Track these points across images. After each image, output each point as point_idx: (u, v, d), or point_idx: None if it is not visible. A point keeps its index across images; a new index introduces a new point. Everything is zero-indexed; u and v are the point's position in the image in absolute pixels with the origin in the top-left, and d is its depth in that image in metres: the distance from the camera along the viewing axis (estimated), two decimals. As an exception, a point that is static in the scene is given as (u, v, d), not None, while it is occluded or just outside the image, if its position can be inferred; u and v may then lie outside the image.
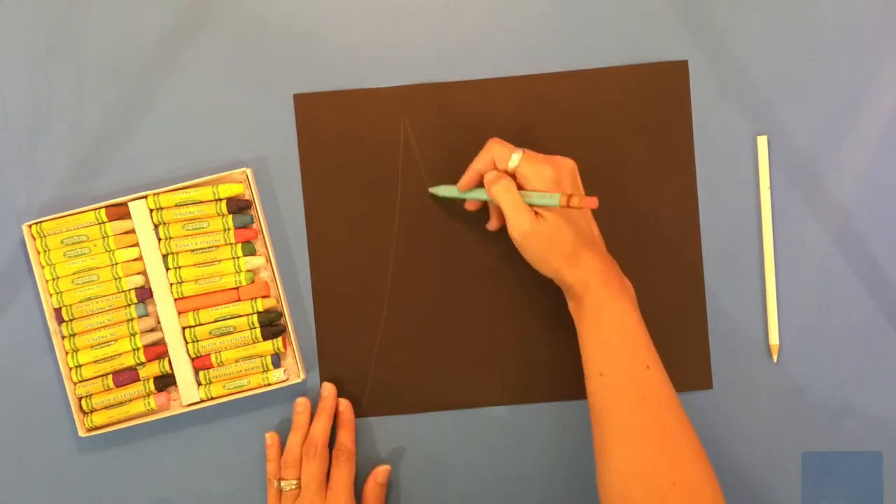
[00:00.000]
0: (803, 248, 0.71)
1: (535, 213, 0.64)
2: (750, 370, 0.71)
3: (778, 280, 0.71)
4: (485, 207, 0.70)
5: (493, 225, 0.70)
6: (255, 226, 0.71)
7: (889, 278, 0.71)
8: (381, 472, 0.70)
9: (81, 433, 0.69)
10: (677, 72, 0.71)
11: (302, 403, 0.71)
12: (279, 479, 0.69)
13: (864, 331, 0.71)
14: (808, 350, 0.71)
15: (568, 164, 0.65)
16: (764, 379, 0.71)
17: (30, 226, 0.70)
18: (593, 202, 0.61)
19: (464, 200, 0.70)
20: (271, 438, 0.71)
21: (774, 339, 0.71)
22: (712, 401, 0.71)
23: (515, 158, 0.65)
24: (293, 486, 0.68)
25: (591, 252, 0.64)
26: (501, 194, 0.64)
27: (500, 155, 0.65)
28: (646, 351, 0.63)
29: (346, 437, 0.70)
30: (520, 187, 0.64)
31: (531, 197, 0.63)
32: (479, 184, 0.67)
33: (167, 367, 0.70)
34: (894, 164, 0.71)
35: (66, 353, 0.70)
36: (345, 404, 0.71)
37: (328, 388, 0.71)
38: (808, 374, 0.71)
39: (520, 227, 0.64)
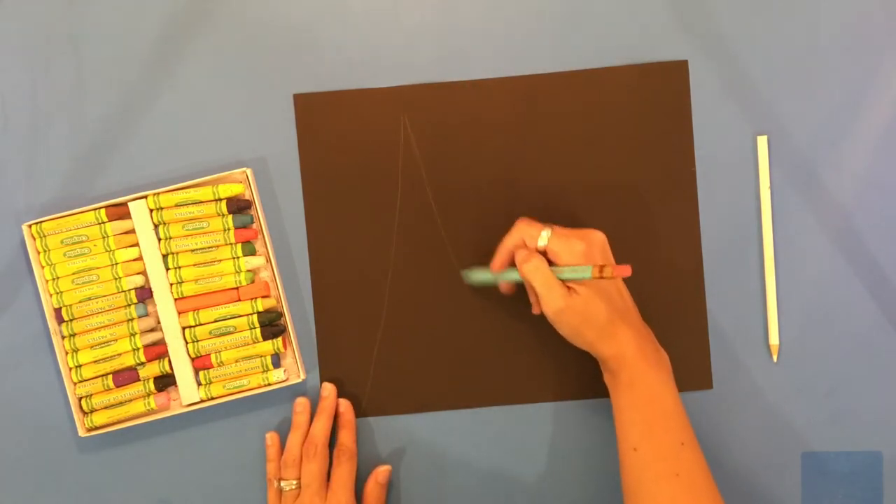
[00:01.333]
0: (803, 248, 0.71)
1: (568, 288, 0.63)
2: (750, 370, 0.71)
3: (778, 280, 0.71)
4: (521, 289, 0.69)
5: (536, 309, 0.68)
6: (255, 226, 0.71)
7: (889, 278, 0.71)
8: (381, 472, 0.70)
9: (81, 433, 0.69)
10: (677, 72, 0.71)
11: (302, 403, 0.71)
12: (279, 479, 0.69)
13: (864, 331, 0.71)
14: (808, 350, 0.71)
15: (598, 238, 0.65)
16: (764, 379, 0.71)
17: (30, 226, 0.70)
18: (626, 270, 0.60)
19: (497, 285, 0.69)
20: (271, 438, 0.71)
21: (774, 339, 0.71)
22: (712, 401, 0.71)
23: (545, 236, 0.64)
24: (293, 486, 0.68)
25: (626, 324, 0.64)
26: (532, 273, 0.63)
27: (529, 234, 0.65)
28: (681, 427, 0.63)
29: (346, 437, 0.70)
30: (552, 263, 0.64)
31: (563, 272, 0.63)
32: (511, 263, 0.66)
33: (167, 367, 0.70)
34: (894, 164, 0.71)
35: (66, 353, 0.70)
36: (345, 404, 0.71)
37: (328, 388, 0.71)
38: (809, 374, 0.71)
39: (553, 304, 0.63)
